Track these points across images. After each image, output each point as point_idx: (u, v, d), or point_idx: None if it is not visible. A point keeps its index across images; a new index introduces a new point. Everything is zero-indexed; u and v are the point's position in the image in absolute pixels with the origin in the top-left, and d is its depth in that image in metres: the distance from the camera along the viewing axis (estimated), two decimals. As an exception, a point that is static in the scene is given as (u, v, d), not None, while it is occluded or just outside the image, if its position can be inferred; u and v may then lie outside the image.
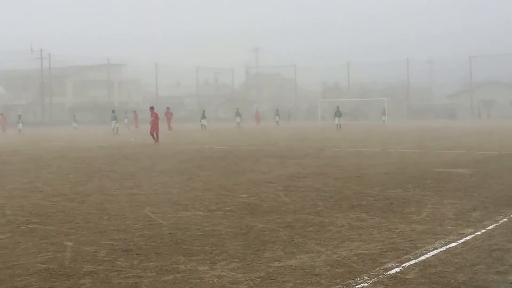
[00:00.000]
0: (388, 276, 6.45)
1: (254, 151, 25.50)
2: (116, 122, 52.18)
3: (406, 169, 17.12)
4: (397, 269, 6.70)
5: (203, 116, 59.32)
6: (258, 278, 6.48)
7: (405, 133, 43.37)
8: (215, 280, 6.40)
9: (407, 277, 6.43)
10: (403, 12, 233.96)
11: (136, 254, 7.53)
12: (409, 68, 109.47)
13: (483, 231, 8.67)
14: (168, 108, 55.65)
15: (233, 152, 25.50)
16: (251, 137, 39.66)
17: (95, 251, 7.72)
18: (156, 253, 7.60)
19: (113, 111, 55.89)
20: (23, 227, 9.45)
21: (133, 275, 6.61)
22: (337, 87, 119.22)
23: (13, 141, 39.19)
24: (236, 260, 7.23)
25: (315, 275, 6.58)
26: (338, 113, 51.68)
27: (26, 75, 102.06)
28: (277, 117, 73.41)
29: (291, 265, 6.97)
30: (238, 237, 8.51)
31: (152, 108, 34.62)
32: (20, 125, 57.69)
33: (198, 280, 6.40)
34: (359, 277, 6.43)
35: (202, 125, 57.78)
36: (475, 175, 15.36)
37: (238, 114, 67.84)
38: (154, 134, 32.51)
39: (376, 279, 6.35)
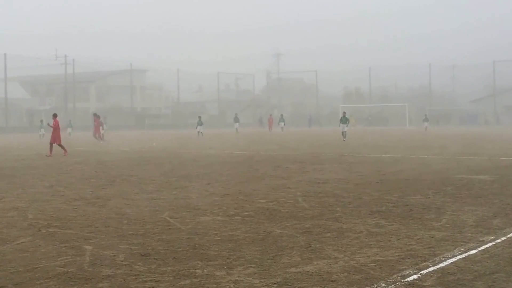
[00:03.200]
0: (405, 283, 6.42)
1: (274, 157, 25.50)
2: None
3: (427, 176, 17.02)
4: (415, 276, 6.66)
5: (200, 123, 56.76)
6: (274, 283, 6.49)
7: (427, 139, 43.11)
8: (231, 285, 6.41)
9: (425, 284, 6.39)
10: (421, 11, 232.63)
11: (154, 259, 7.57)
12: (431, 72, 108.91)
13: (503, 238, 8.59)
14: (95, 115, 48.95)
15: (253, 157, 25.53)
16: (271, 143, 39.65)
17: (114, 255, 7.77)
18: (174, 257, 7.63)
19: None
20: (44, 231, 9.54)
21: (150, 280, 6.64)
22: (358, 92, 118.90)
23: (35, 145, 39.49)
24: (253, 265, 7.24)
25: (332, 281, 6.56)
26: (343, 119, 45.99)
27: (50, 81, 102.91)
28: (282, 123, 69.31)
29: (308, 271, 6.97)
30: (255, 242, 8.51)
31: (55, 116, 30.02)
32: (42, 130, 55.39)
33: (215, 285, 6.42)
34: (376, 284, 6.41)
35: (198, 132, 55.10)
36: (497, 182, 15.24)
37: (236, 119, 65.62)
38: (54, 144, 28.46)
39: (393, 286, 6.32)
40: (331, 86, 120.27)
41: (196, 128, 56.81)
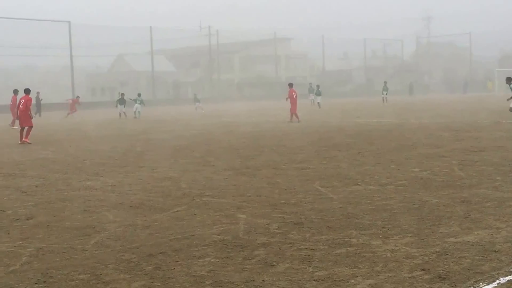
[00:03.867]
0: None
1: (425, 125, 24.78)
2: None
3: None
4: None
5: (197, 100, 53.15)
6: (433, 253, 6.26)
7: None
8: (388, 255, 6.26)
9: None
10: None
11: (308, 227, 7.54)
12: None
13: None
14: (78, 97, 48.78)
15: (403, 126, 24.95)
16: (421, 111, 38.62)
17: (268, 224, 7.82)
18: (328, 226, 7.56)
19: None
20: (198, 200, 9.78)
21: (305, 248, 6.62)
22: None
23: (185, 117, 40.77)
24: (409, 234, 7.03)
25: (495, 251, 6.25)
26: (311, 90, 45.49)
27: (195, 52, 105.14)
28: (312, 95, 55.03)
29: (468, 241, 6.67)
30: (411, 211, 8.28)
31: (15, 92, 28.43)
32: (198, 103, 55.80)
33: (371, 254, 6.29)
34: (545, 256, 6.01)
35: (196, 108, 50.95)
36: None
37: (311, 90, 56.54)
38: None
39: None
40: (486, 49, 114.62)
41: (195, 104, 52.78)
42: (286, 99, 32.74)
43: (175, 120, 37.24)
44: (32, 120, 22.34)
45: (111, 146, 19.97)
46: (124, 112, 41.33)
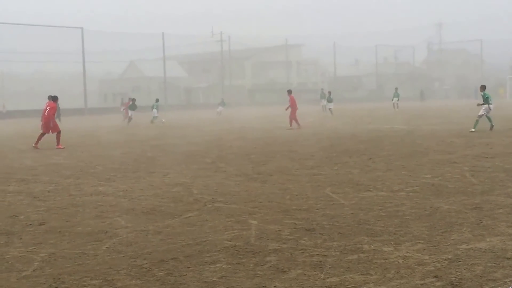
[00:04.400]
0: None
1: (436, 131, 24.71)
2: None
3: None
4: None
5: (222, 104, 55.19)
6: (445, 260, 6.25)
7: None
8: (400, 261, 6.25)
9: None
10: None
11: (320, 233, 7.54)
12: None
13: None
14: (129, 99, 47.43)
15: (415, 132, 24.89)
16: (433, 117, 38.52)
17: (279, 230, 7.82)
18: (339, 232, 7.56)
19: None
20: (209, 206, 9.79)
21: (317, 254, 6.61)
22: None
23: (196, 123, 40.83)
24: (421, 241, 7.01)
25: (507, 258, 6.24)
26: (323, 95, 47.49)
27: (207, 58, 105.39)
28: (323, 101, 53.65)
29: (480, 248, 6.66)
30: (422, 218, 8.26)
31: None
32: (221, 108, 55.36)
33: (383, 260, 6.28)
34: (558, 263, 5.98)
35: (218, 112, 53.22)
36: None
37: (323, 95, 55.35)
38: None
39: None
40: (497, 56, 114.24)
41: (218, 108, 54.76)
42: (287, 108, 31.90)
43: (187, 125, 37.32)
44: (52, 125, 22.45)
45: (122, 151, 20.03)
46: (130, 117, 41.41)
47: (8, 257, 6.97)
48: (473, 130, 23.35)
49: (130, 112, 42.11)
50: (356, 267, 6.11)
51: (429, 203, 9.31)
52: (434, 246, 6.80)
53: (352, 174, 12.90)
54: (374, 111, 51.74)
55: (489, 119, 24.10)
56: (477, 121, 23.94)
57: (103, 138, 27.39)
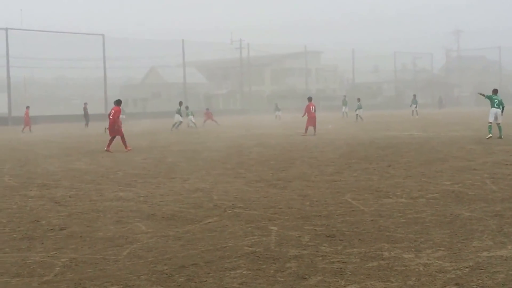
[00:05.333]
0: None
1: (456, 138, 24.58)
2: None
3: None
4: None
5: (277, 109, 58.33)
6: (466, 267, 6.22)
7: None
8: (421, 268, 6.23)
9: None
10: None
11: (340, 240, 7.54)
12: None
13: None
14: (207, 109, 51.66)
15: (434, 139, 24.77)
16: (452, 124, 38.31)
17: (299, 236, 7.83)
18: (360, 239, 7.55)
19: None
20: (229, 211, 9.81)
21: (337, 261, 6.61)
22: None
23: (216, 129, 40.91)
24: (442, 248, 6.99)
25: (530, 267, 6.19)
26: (345, 102, 48.74)
27: (226, 65, 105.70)
28: (345, 107, 56.94)
29: (501, 256, 6.63)
30: (443, 225, 8.23)
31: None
32: (279, 112, 58.27)
33: (404, 268, 6.26)
34: None
35: (276, 116, 56.56)
36: None
37: (345, 102, 58.04)
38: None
39: None
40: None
41: (275, 113, 57.81)
42: (303, 115, 31.81)
43: (206, 131, 37.39)
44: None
45: (143, 157, 20.12)
46: (179, 122, 41.99)
47: (29, 262, 7.04)
48: (490, 135, 23.14)
49: (178, 118, 42.82)
50: (376, 274, 6.11)
51: (449, 210, 9.28)
52: (455, 253, 6.78)
53: (371, 180, 12.87)
54: (393, 117, 51.57)
55: (499, 128, 23.61)
56: (489, 126, 23.71)
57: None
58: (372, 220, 8.71)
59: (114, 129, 23.42)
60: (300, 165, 16.45)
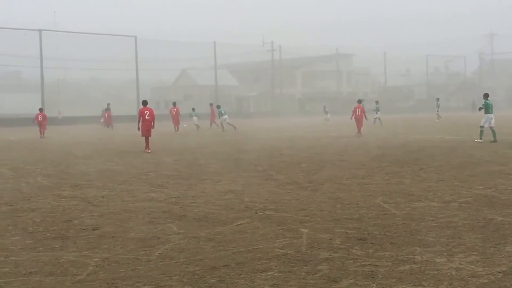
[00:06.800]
0: None
1: (489, 142, 24.28)
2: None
3: None
4: None
5: (325, 112, 57.49)
6: (500, 272, 6.16)
7: None
8: (453, 273, 6.18)
9: None
10: None
11: (371, 243, 7.50)
12: None
13: None
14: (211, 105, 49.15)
15: (466, 142, 24.53)
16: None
17: (330, 239, 7.81)
18: (391, 243, 7.51)
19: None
20: (261, 213, 9.83)
21: (369, 264, 6.59)
22: None
23: (246, 131, 40.95)
24: (475, 253, 6.92)
25: None
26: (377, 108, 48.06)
27: (258, 67, 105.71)
28: (328, 115, 57.64)
29: (536, 261, 6.54)
30: (475, 229, 8.15)
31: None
32: (327, 115, 57.85)
33: (436, 272, 6.22)
34: None
35: (325, 119, 56.34)
36: None
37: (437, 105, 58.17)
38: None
39: None
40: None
41: (324, 115, 57.47)
42: (352, 117, 33.87)
43: (237, 133, 37.46)
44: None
45: (174, 158, 20.24)
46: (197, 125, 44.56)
47: (63, 261, 7.12)
48: (480, 140, 24.11)
49: (195, 120, 45.07)
50: (408, 277, 6.07)
51: (482, 214, 9.18)
52: (488, 258, 6.71)
53: (403, 184, 12.79)
54: (424, 121, 51.15)
55: (494, 132, 24.40)
56: (481, 131, 24.51)
57: (154, 146, 27.71)
58: (404, 223, 8.66)
59: (150, 129, 24.01)
60: (331, 168, 16.41)
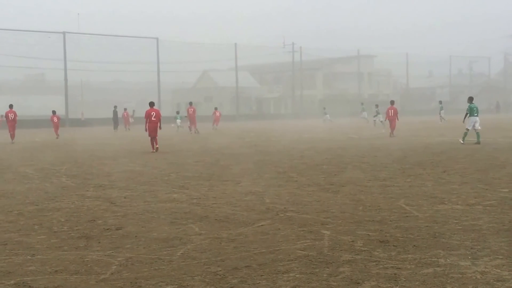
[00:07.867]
0: None
1: (473, 144, 24.14)
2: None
3: None
4: None
5: (325, 113, 59.78)
6: (525, 277, 6.09)
7: None
8: (478, 276, 6.12)
9: None
10: None
11: (393, 246, 7.46)
12: None
13: None
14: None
15: (490, 144, 24.32)
16: (508, 130, 37.55)
17: (352, 241, 7.77)
18: (414, 245, 7.46)
19: (362, 103, 58.23)
20: (282, 215, 9.81)
21: (391, 266, 6.54)
22: None
23: (267, 132, 40.97)
24: (500, 256, 6.85)
25: None
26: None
27: (278, 69, 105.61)
28: (327, 116, 60.91)
29: (562, 266, 6.46)
30: (501, 233, 8.06)
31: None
32: (327, 116, 60.08)
33: (460, 275, 6.16)
34: None
35: (324, 120, 58.59)
36: None
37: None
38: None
39: None
40: None
41: (323, 117, 60.29)
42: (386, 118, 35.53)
43: (257, 135, 37.49)
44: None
45: (195, 160, 20.29)
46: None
47: (87, 260, 7.17)
48: (462, 142, 24.80)
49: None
50: (432, 280, 6.02)
51: (507, 217, 9.09)
52: (513, 262, 6.64)
53: (426, 186, 12.70)
54: (447, 122, 50.77)
55: (478, 135, 25.05)
56: (465, 133, 25.34)
57: (176, 147, 27.82)
58: (426, 226, 8.59)
59: (157, 130, 24.91)
60: (352, 169, 16.35)
